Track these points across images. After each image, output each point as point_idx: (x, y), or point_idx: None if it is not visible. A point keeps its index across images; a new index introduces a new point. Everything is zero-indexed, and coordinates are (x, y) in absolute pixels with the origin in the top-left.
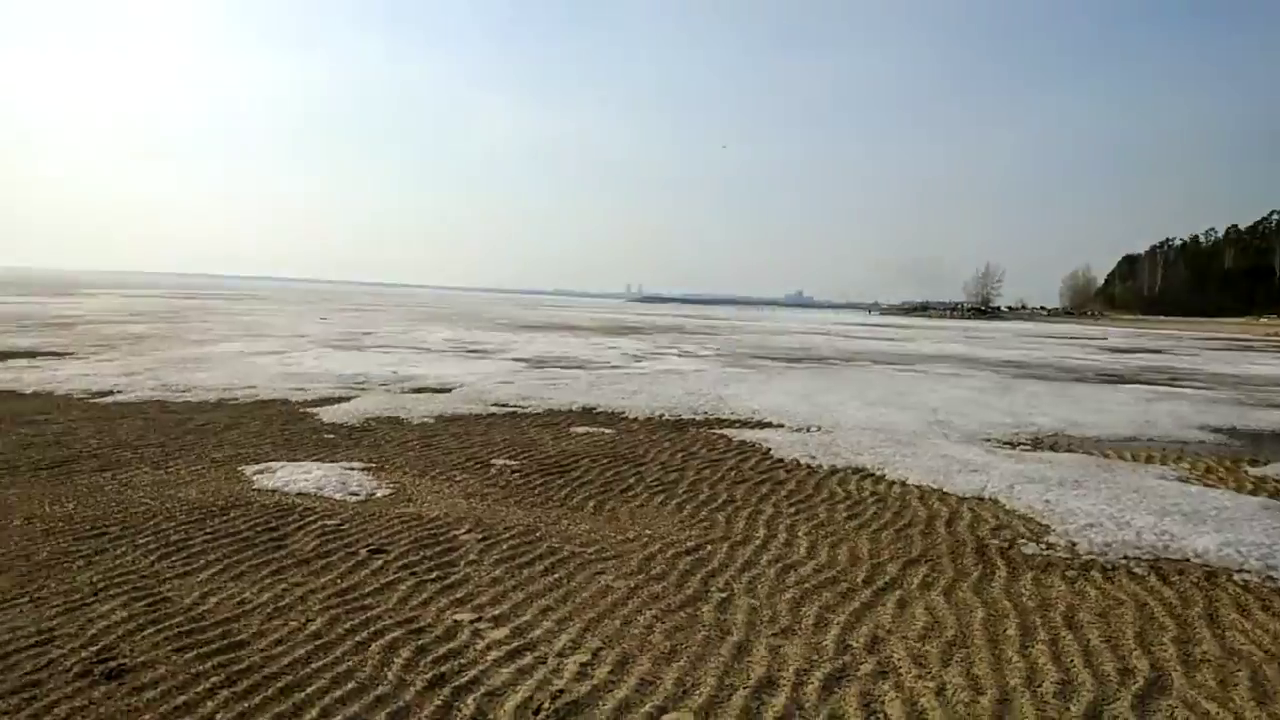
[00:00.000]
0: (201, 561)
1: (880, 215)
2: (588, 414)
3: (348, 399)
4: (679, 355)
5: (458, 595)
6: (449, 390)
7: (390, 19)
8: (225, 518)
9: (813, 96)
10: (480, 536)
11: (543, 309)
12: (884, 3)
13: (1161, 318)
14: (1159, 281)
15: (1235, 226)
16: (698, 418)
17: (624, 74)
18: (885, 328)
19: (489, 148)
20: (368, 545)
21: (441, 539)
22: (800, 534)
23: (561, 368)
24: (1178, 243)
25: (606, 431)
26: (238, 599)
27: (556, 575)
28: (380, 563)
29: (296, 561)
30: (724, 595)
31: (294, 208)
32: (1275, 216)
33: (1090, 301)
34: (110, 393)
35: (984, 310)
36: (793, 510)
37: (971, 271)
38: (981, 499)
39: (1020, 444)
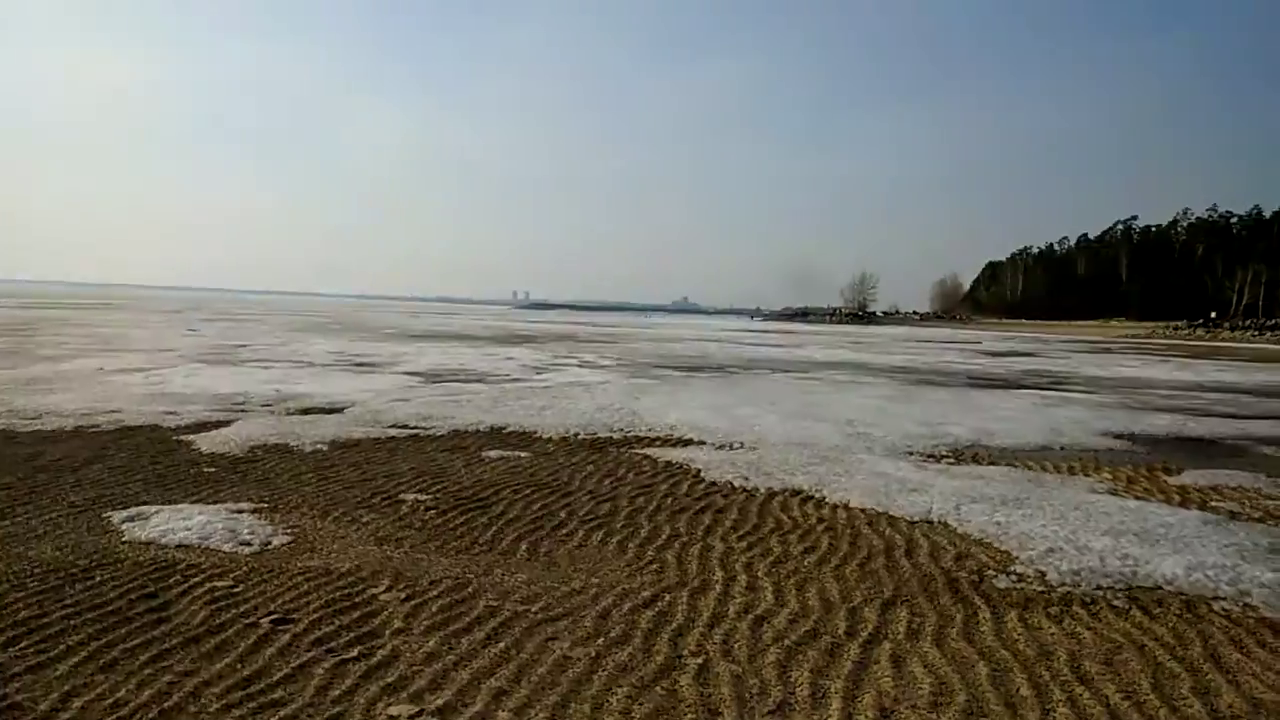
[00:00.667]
0: (61, 646)
1: (761, 223)
2: (497, 435)
3: (227, 423)
4: (579, 366)
5: (388, 679)
6: (340, 411)
7: (256, 22)
8: (90, 582)
9: (700, 106)
10: (403, 596)
11: (428, 316)
12: (765, 17)
13: (1023, 321)
14: (1020, 287)
15: (1085, 235)
16: (615, 436)
17: (507, 80)
18: (771, 334)
19: (367, 151)
20: (270, 614)
21: (358, 601)
22: (760, 574)
23: (460, 382)
24: (1035, 250)
25: (522, 455)
26: (111, 700)
27: (502, 644)
28: (288, 637)
29: (183, 640)
30: (700, 661)
31: (154, 211)
32: (1119, 227)
33: (958, 306)
34: None
35: (861, 315)
36: (744, 545)
37: (847, 278)
38: (930, 522)
39: (944, 457)
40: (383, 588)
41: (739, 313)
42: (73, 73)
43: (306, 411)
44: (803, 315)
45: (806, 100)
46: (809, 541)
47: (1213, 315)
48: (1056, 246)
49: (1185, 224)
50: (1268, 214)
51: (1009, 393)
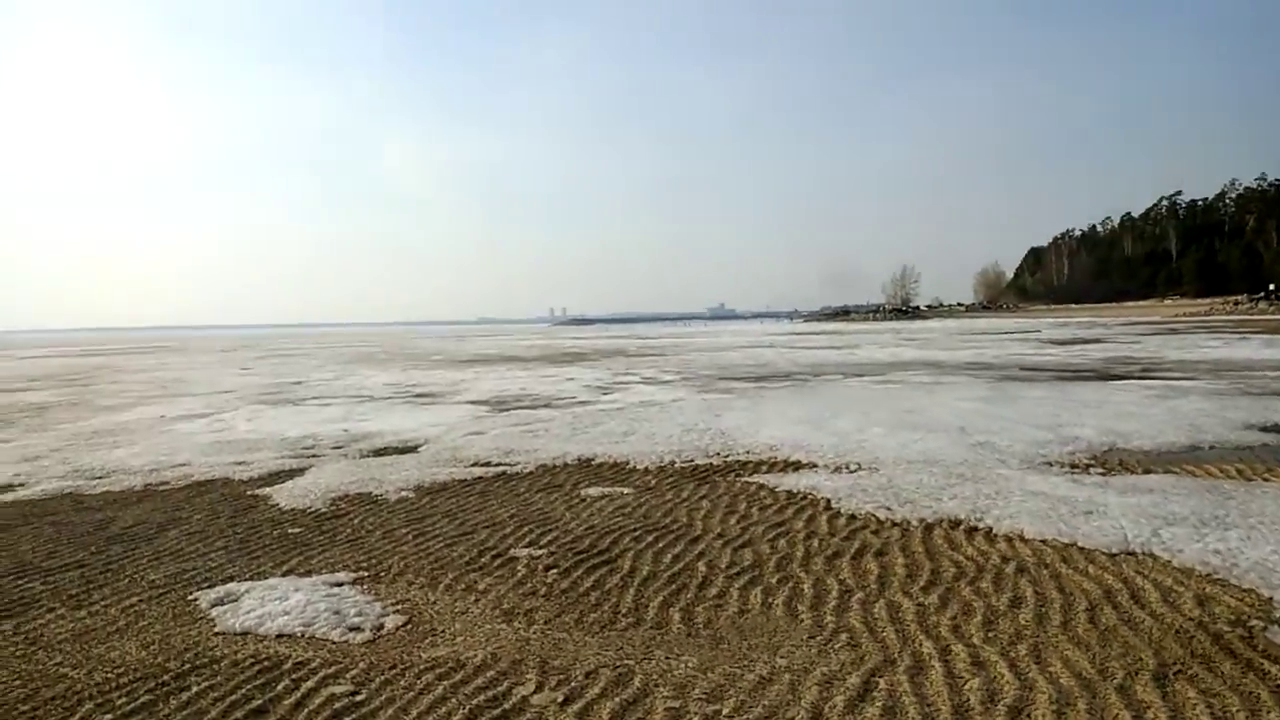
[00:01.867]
0: None
1: (795, 223)
2: (588, 467)
3: (301, 471)
4: (642, 383)
5: None
6: (415, 449)
7: (282, 47)
8: (187, 695)
9: (726, 108)
10: (560, 697)
11: (472, 340)
12: (803, 5)
13: (1072, 305)
14: (1066, 271)
15: (1129, 214)
16: (714, 462)
17: (541, 93)
18: (819, 334)
19: (398, 181)
20: None
21: (509, 708)
22: (977, 642)
23: (527, 408)
24: (1078, 233)
25: (624, 491)
26: None
27: None
28: None
29: None
30: None
31: (194, 254)
32: (1164, 203)
33: (1003, 295)
34: (9, 488)
35: (905, 311)
36: (936, 601)
37: (885, 274)
38: (1133, 554)
39: (1089, 465)
40: (531, 685)
41: (776, 315)
42: (110, 111)
43: (380, 452)
44: (844, 314)
45: (837, 91)
46: (1008, 590)
47: (1271, 288)
48: (1100, 228)
49: (1234, 195)
50: None
51: (1107, 384)
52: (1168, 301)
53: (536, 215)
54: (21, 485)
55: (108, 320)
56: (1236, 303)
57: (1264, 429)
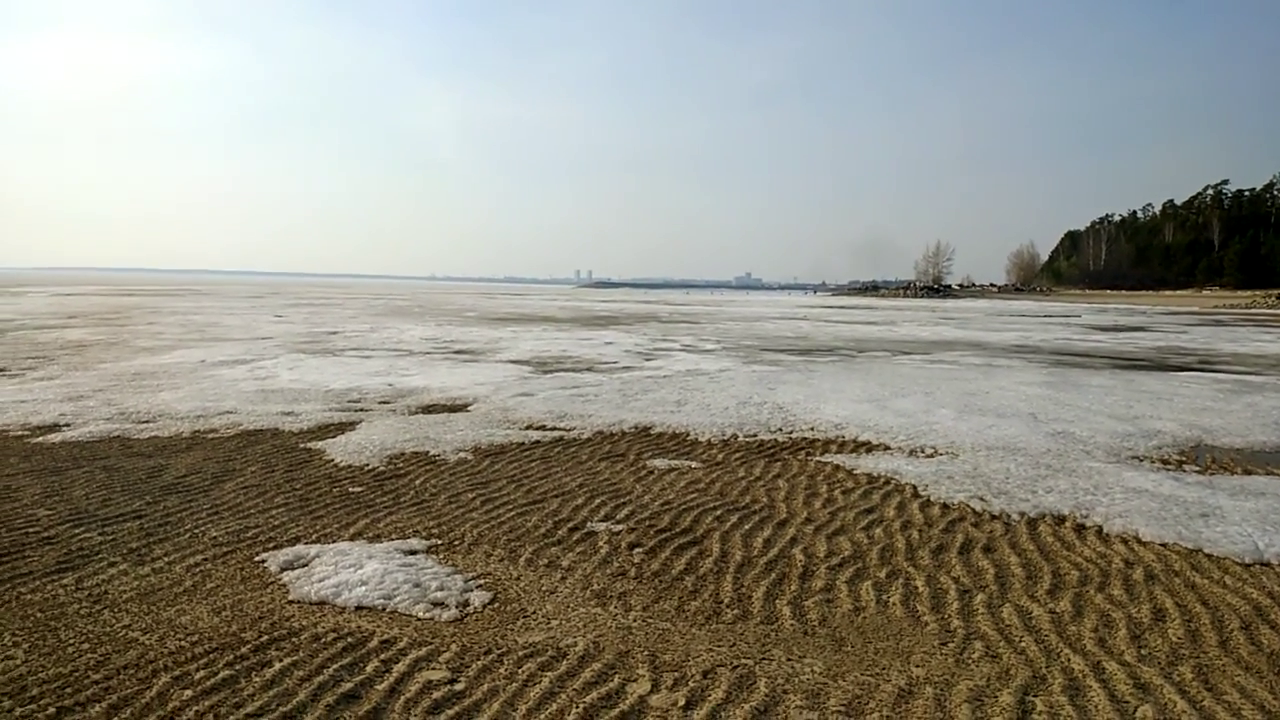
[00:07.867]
0: None
1: (826, 196)
2: (647, 437)
3: (351, 425)
4: (683, 350)
5: None
6: (465, 408)
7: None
8: (268, 672)
9: (766, 79)
10: (681, 700)
11: (502, 298)
12: None
13: (1108, 291)
14: (1103, 257)
15: (1172, 202)
16: (780, 439)
17: (574, 57)
18: (852, 309)
19: (429, 136)
20: None
21: (627, 711)
22: (1131, 659)
23: (571, 371)
24: (1117, 218)
25: (692, 465)
26: None
27: None
28: None
29: None
30: None
31: (224, 200)
32: (1209, 191)
33: (1036, 277)
34: (56, 427)
35: (936, 289)
36: (1069, 608)
37: (916, 249)
38: (1270, 566)
39: (1181, 462)
40: (645, 684)
41: (803, 287)
42: (152, 64)
43: (429, 409)
44: (872, 289)
45: (874, 68)
46: (1145, 600)
47: None
48: (1140, 214)
49: None
50: None
51: (1169, 375)
52: (1206, 291)
53: (564, 179)
54: (68, 425)
55: (138, 262)
56: (1279, 296)
57: None
